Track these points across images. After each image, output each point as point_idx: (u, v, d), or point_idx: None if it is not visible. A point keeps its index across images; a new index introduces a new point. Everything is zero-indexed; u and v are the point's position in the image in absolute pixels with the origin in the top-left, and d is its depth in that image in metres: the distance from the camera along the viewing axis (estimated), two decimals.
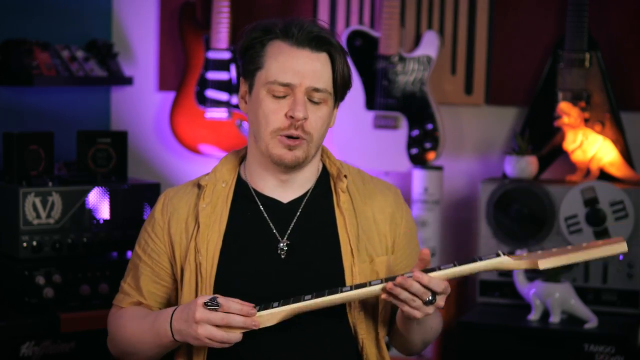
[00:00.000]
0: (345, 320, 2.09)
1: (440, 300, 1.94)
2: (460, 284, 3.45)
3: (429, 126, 3.51)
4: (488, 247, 3.28)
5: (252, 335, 2.03)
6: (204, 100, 3.71)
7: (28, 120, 3.56)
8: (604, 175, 3.28)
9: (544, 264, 1.89)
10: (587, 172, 3.30)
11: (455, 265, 1.92)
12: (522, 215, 3.24)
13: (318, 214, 2.11)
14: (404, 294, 1.92)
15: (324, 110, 2.03)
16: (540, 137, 3.39)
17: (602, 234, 3.16)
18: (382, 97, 3.55)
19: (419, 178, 3.46)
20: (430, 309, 1.93)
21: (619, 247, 1.89)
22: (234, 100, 3.66)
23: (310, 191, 2.12)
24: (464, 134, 3.63)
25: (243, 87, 2.09)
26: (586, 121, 3.31)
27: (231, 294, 2.01)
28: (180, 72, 3.81)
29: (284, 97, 2.00)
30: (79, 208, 3.03)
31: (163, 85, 3.94)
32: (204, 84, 3.70)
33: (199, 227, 2.08)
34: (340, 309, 2.08)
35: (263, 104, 2.02)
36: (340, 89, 2.05)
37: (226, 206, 2.10)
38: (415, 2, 3.62)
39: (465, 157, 3.63)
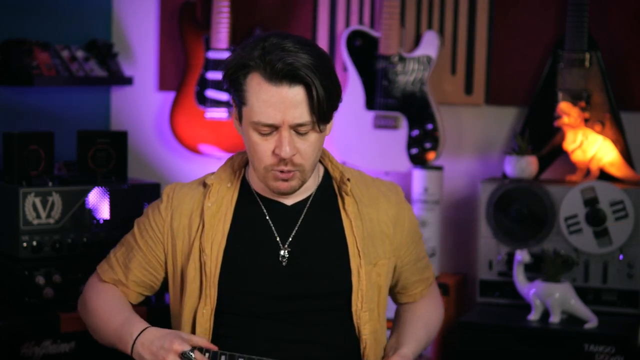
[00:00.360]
0: (350, 322, 2.10)
1: None
2: (460, 284, 3.45)
3: (429, 126, 3.51)
4: (488, 247, 3.28)
5: (253, 336, 2.04)
6: (204, 100, 3.71)
7: (28, 120, 3.55)
8: (604, 175, 3.28)
9: None
10: (587, 172, 3.30)
11: None
12: (522, 215, 3.24)
13: (322, 216, 2.13)
14: None
15: (313, 137, 2.02)
16: (540, 137, 3.39)
17: (602, 234, 3.16)
18: (382, 97, 3.55)
19: (419, 178, 3.46)
20: None
21: None
22: None
23: (313, 194, 2.13)
24: (464, 134, 3.63)
25: (235, 111, 2.08)
26: (586, 121, 3.31)
27: (235, 293, 2.06)
28: (180, 72, 3.81)
29: (270, 133, 2.00)
30: (79, 208, 3.03)
31: (163, 85, 3.93)
32: (204, 84, 3.70)
33: (203, 226, 2.09)
34: (345, 311, 2.09)
35: (251, 139, 2.02)
36: (326, 112, 2.01)
37: (231, 206, 2.11)
38: (415, 2, 3.62)
39: (465, 157, 3.63)
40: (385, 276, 2.14)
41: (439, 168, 3.48)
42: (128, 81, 3.79)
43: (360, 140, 3.58)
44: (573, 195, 3.19)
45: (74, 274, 2.98)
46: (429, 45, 3.53)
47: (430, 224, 3.44)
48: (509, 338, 3.06)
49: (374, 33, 3.57)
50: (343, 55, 3.60)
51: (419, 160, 3.51)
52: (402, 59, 3.53)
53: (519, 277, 3.14)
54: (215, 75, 3.68)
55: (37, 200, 2.95)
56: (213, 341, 2.08)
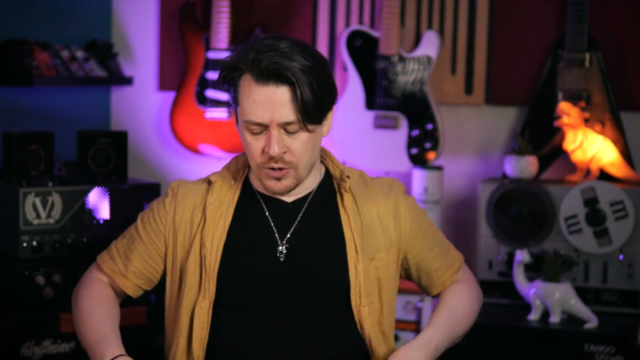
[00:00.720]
0: (351, 317, 2.10)
1: None
2: None
3: (429, 126, 3.51)
4: (488, 247, 3.28)
5: (251, 330, 2.04)
6: (204, 100, 3.71)
7: (28, 120, 3.55)
8: (604, 175, 3.28)
9: None
10: (587, 172, 3.30)
11: None
12: (522, 215, 3.24)
13: (321, 213, 2.16)
14: None
15: (303, 136, 2.05)
16: (540, 137, 3.39)
17: (602, 234, 3.16)
18: (382, 97, 3.55)
19: (419, 178, 3.46)
20: None
21: None
22: None
23: (313, 192, 2.16)
24: (464, 134, 3.63)
25: (234, 112, 2.14)
26: (586, 121, 3.31)
27: (233, 287, 2.09)
28: (180, 72, 3.81)
29: (260, 132, 2.05)
30: (79, 208, 3.03)
31: (163, 85, 3.93)
32: (204, 84, 3.70)
33: (205, 220, 2.12)
34: (345, 306, 2.10)
35: (245, 139, 2.08)
36: (312, 113, 2.03)
37: (232, 203, 2.15)
38: (415, 2, 3.62)
39: (465, 157, 3.63)
40: (386, 268, 2.16)
41: (439, 168, 3.48)
42: (128, 81, 3.79)
43: (360, 140, 3.58)
44: (573, 195, 3.18)
45: (74, 274, 2.97)
46: (429, 45, 3.53)
47: None
48: (509, 338, 3.06)
49: (374, 33, 3.57)
50: (343, 55, 3.60)
51: (419, 160, 3.52)
52: (402, 59, 3.53)
53: (519, 277, 3.14)
54: (215, 75, 3.68)
55: (37, 200, 2.95)
56: (211, 335, 2.10)
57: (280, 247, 2.12)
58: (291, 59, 2.00)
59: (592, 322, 3.03)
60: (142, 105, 3.96)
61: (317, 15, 3.72)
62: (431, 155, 3.51)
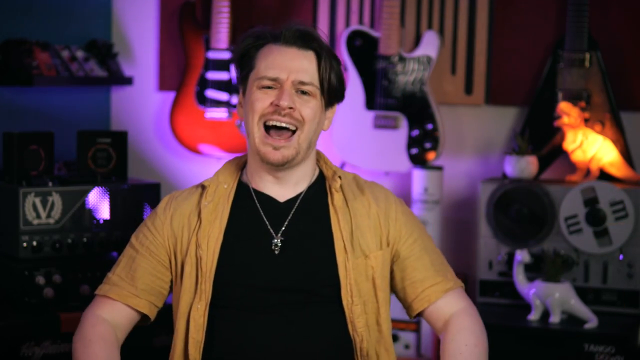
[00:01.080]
0: (342, 316, 2.10)
1: None
2: None
3: (429, 126, 3.51)
4: (488, 247, 3.28)
5: (247, 330, 2.05)
6: (204, 100, 3.71)
7: (28, 120, 3.55)
8: (604, 175, 3.28)
9: None
10: (587, 172, 3.30)
11: None
12: (522, 215, 3.24)
13: (312, 212, 2.17)
14: None
15: (313, 103, 2.10)
16: (540, 137, 3.39)
17: (602, 234, 3.16)
18: (382, 97, 3.55)
19: (419, 178, 3.46)
20: None
21: None
22: (234, 100, 3.66)
23: (305, 191, 2.16)
24: (464, 134, 3.63)
25: (240, 94, 2.18)
26: (586, 121, 3.31)
27: (228, 287, 2.09)
28: (180, 72, 3.81)
29: (271, 87, 2.08)
30: (79, 208, 3.03)
31: (163, 85, 3.93)
32: (204, 84, 3.70)
33: (200, 223, 2.14)
34: (338, 304, 2.10)
35: (252, 95, 2.10)
36: (328, 89, 2.11)
37: (227, 205, 2.16)
38: (415, 2, 3.62)
39: (465, 157, 3.63)
40: (381, 268, 2.15)
41: (439, 168, 3.48)
42: (128, 81, 3.79)
43: (360, 140, 3.58)
44: (573, 195, 3.18)
45: (74, 274, 2.98)
46: (429, 45, 3.53)
47: (430, 224, 3.44)
48: (509, 338, 3.06)
49: (374, 33, 3.57)
50: (343, 55, 3.60)
51: (419, 160, 3.51)
52: (402, 59, 3.53)
53: (519, 277, 3.14)
54: (216, 75, 3.68)
55: (37, 200, 2.95)
56: (207, 336, 2.09)
57: (275, 240, 2.12)
58: (318, 35, 2.11)
59: (592, 322, 3.03)
60: (142, 105, 3.96)
61: (317, 15, 3.72)
62: (431, 155, 3.51)
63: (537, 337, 3.03)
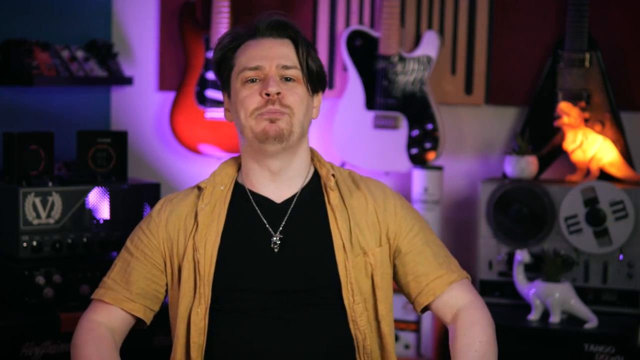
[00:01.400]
0: (343, 315, 2.10)
1: None
2: None
3: (429, 126, 3.51)
4: (488, 247, 3.28)
5: (248, 333, 2.04)
6: (204, 100, 3.71)
7: (28, 120, 3.55)
8: (604, 175, 3.28)
9: None
10: (587, 172, 3.30)
11: None
12: (522, 215, 3.24)
13: (309, 211, 2.16)
14: None
15: (299, 88, 2.10)
16: (540, 137, 3.39)
17: (602, 234, 3.16)
18: (382, 97, 3.55)
19: (419, 178, 3.46)
20: None
21: None
22: None
23: (301, 191, 2.15)
24: (464, 134, 3.63)
25: (225, 99, 2.17)
26: (586, 121, 3.31)
27: (228, 290, 2.08)
28: (180, 72, 3.81)
29: (256, 81, 2.08)
30: (79, 208, 3.03)
31: (163, 85, 3.93)
32: (204, 84, 3.70)
33: (197, 226, 2.12)
34: (339, 303, 2.10)
35: (239, 93, 2.09)
36: (309, 74, 2.11)
37: (224, 207, 2.14)
38: (415, 2, 3.62)
39: (465, 157, 3.63)
40: (380, 265, 2.14)
41: (439, 168, 3.48)
42: (128, 81, 3.79)
43: (360, 140, 3.58)
44: (573, 195, 3.19)
45: (74, 274, 2.98)
46: (429, 45, 3.53)
47: (430, 224, 3.43)
48: (509, 338, 3.06)
49: (374, 33, 3.57)
50: (343, 55, 3.60)
51: (419, 160, 3.52)
52: (402, 59, 3.53)
53: (519, 277, 3.14)
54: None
55: (37, 200, 2.95)
56: (208, 340, 2.09)
57: (274, 238, 2.11)
58: (292, 23, 2.14)
59: (592, 322, 3.03)
60: (142, 105, 3.96)
61: (317, 15, 3.72)
62: (431, 155, 3.51)
63: (537, 337, 3.03)
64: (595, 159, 3.27)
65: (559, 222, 3.20)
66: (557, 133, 3.36)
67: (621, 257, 3.16)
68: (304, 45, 2.12)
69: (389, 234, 2.16)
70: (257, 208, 2.15)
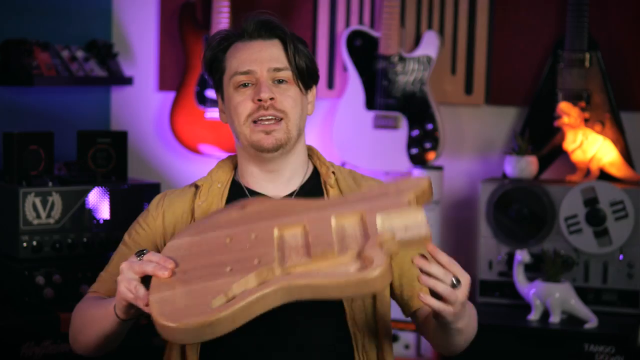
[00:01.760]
0: (341, 312, 2.09)
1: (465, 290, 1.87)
2: None
3: (429, 126, 3.51)
4: (488, 247, 3.28)
5: (246, 332, 2.04)
6: (204, 100, 3.71)
7: (28, 120, 3.56)
8: (604, 175, 3.28)
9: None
10: (587, 172, 3.30)
11: None
12: (522, 215, 3.24)
13: None
14: (435, 268, 1.83)
15: (292, 90, 2.08)
16: (540, 137, 3.39)
17: (602, 234, 3.16)
18: (382, 97, 3.55)
19: None
20: (458, 298, 1.85)
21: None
22: None
23: (299, 189, 2.15)
24: (464, 134, 3.63)
25: (219, 101, 2.16)
26: (586, 121, 3.31)
27: None
28: (180, 72, 3.81)
29: (248, 86, 2.07)
30: (79, 208, 3.03)
31: (163, 85, 3.94)
32: (204, 84, 3.70)
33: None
34: (335, 302, 2.09)
35: (232, 100, 2.09)
36: (300, 73, 2.10)
37: (221, 204, 2.14)
38: (415, 2, 3.62)
39: (465, 157, 3.63)
40: None
41: (439, 168, 3.48)
42: (128, 81, 3.79)
43: (360, 140, 3.58)
44: (573, 195, 3.19)
45: (74, 274, 2.98)
46: (429, 45, 3.53)
47: (430, 224, 3.42)
48: (509, 338, 3.06)
49: (374, 33, 3.57)
50: (343, 55, 3.60)
51: (419, 160, 3.52)
52: (402, 59, 3.53)
53: (519, 277, 3.14)
54: None
55: (37, 200, 2.95)
56: (202, 349, 2.07)
57: None
58: (279, 22, 2.12)
59: (592, 322, 3.03)
60: (142, 105, 3.96)
61: (317, 15, 3.72)
62: (431, 155, 3.51)
63: (537, 337, 3.03)
64: (595, 159, 3.27)
65: (559, 222, 3.20)
66: (557, 133, 3.36)
67: (621, 257, 3.16)
68: (292, 44, 2.11)
69: None
70: None
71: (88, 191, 3.04)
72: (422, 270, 1.84)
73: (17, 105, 3.54)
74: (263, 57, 2.08)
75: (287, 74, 2.08)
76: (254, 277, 1.79)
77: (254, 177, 2.15)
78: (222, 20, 3.64)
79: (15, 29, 3.47)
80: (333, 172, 2.17)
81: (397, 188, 1.91)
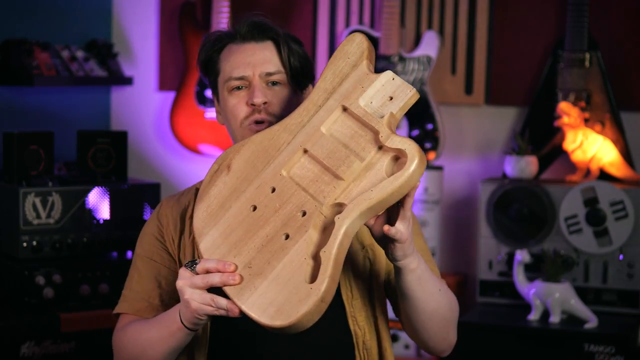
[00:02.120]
0: (342, 311, 2.09)
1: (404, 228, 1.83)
2: (460, 284, 3.45)
3: (429, 126, 3.51)
4: (488, 247, 3.28)
5: (249, 331, 2.04)
6: (204, 100, 3.71)
7: (28, 120, 3.56)
8: (604, 175, 3.28)
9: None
10: (587, 172, 3.30)
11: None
12: (522, 215, 3.24)
13: None
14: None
15: (285, 92, 2.09)
16: (540, 137, 3.39)
17: (602, 234, 3.16)
18: None
19: None
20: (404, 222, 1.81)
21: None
22: None
23: None
24: (464, 134, 3.63)
25: (215, 102, 2.18)
26: (586, 121, 3.31)
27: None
28: (180, 72, 3.81)
29: (242, 89, 2.09)
30: (79, 208, 3.03)
31: (163, 85, 3.94)
32: (203, 84, 3.70)
33: None
34: (336, 301, 2.09)
35: (227, 103, 2.10)
36: (294, 74, 2.10)
37: None
38: (415, 2, 3.62)
39: (465, 157, 3.63)
40: (378, 260, 2.14)
41: (439, 168, 3.48)
42: (128, 81, 3.79)
43: None
44: (573, 195, 3.19)
45: (74, 274, 2.98)
46: (429, 45, 3.53)
47: (430, 224, 3.44)
48: (509, 338, 3.06)
49: (374, 33, 3.57)
50: None
51: None
52: (402, 59, 3.53)
53: (519, 277, 3.14)
54: None
55: (37, 200, 2.95)
56: (211, 342, 2.08)
57: None
58: (272, 23, 2.14)
59: (592, 322, 3.03)
60: (142, 105, 3.96)
61: (317, 15, 3.72)
62: (431, 155, 3.51)
63: (537, 337, 3.03)
64: (595, 159, 3.27)
65: (559, 222, 3.20)
66: (557, 133, 3.36)
67: (621, 257, 3.16)
68: (286, 45, 2.11)
69: None
70: None
71: (88, 191, 3.04)
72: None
73: (17, 105, 3.55)
74: (256, 61, 2.09)
75: (280, 77, 2.09)
76: (312, 231, 1.72)
77: None
78: (222, 20, 3.64)
79: (15, 29, 3.47)
80: None
81: (340, 72, 1.85)
